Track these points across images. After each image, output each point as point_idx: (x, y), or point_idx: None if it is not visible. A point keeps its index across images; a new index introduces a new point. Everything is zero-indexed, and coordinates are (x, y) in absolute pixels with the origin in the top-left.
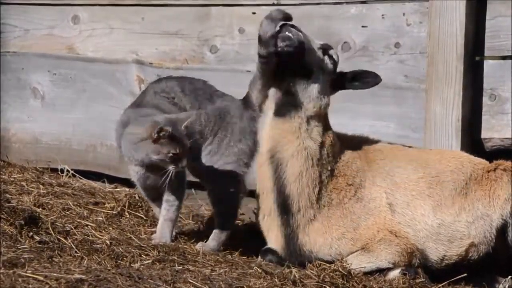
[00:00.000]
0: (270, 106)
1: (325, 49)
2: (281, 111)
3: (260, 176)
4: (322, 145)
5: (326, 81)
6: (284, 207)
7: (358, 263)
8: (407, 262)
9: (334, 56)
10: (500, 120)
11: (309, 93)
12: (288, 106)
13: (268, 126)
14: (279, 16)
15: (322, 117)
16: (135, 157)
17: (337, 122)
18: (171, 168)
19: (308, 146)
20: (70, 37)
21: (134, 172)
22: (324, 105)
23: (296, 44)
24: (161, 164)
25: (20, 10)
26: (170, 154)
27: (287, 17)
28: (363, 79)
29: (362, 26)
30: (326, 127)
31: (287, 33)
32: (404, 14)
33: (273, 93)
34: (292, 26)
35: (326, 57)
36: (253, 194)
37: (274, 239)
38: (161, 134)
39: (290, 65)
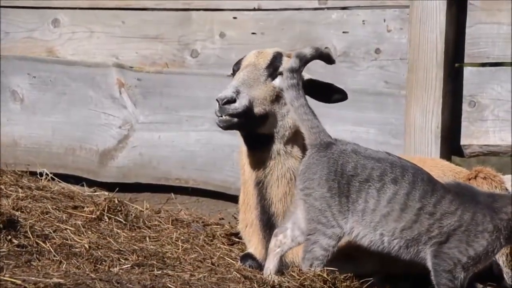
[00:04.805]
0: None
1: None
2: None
3: (244, 190)
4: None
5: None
6: (268, 223)
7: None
8: (390, 270)
9: (292, 65)
10: (479, 127)
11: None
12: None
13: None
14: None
15: (298, 132)
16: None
17: None
18: None
19: (290, 167)
20: (50, 40)
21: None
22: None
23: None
24: None
25: (0, 13)
26: None
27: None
28: (332, 95)
29: (343, 32)
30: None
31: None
32: (384, 20)
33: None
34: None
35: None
36: (233, 198)
37: (254, 248)
38: None
39: None
